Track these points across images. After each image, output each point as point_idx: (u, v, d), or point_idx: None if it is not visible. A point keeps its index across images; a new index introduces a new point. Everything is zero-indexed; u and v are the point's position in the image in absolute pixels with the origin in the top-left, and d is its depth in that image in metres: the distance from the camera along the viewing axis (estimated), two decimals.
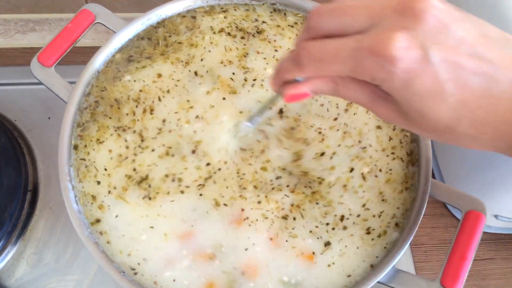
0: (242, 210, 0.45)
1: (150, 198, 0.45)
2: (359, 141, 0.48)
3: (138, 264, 0.43)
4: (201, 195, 0.45)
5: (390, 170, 0.47)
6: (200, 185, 0.45)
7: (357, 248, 0.44)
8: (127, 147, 0.47)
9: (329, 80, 0.33)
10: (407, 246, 0.43)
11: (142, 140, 0.47)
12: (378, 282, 0.42)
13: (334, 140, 0.48)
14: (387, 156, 0.47)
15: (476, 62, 0.28)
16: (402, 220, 0.45)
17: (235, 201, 0.45)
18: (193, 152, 0.47)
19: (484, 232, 0.43)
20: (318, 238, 0.44)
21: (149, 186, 0.45)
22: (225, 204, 0.45)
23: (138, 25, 0.53)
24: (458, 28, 0.29)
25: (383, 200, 0.46)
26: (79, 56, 0.60)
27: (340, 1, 0.31)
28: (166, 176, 0.46)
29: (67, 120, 0.48)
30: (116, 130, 0.48)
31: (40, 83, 0.50)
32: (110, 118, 0.48)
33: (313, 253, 0.43)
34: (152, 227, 0.44)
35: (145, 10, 0.53)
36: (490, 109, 0.29)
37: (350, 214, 0.45)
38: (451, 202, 0.46)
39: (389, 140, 0.48)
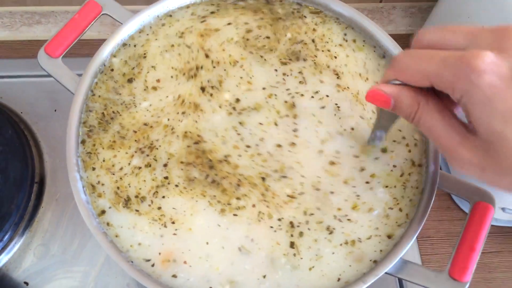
0: None
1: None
2: None
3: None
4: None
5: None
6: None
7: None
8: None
9: (413, 96, 0.33)
10: (415, 236, 0.43)
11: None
12: (386, 273, 0.42)
13: None
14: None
15: None
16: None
17: None
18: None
19: (491, 225, 0.43)
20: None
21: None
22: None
23: (145, 17, 0.53)
24: None
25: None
26: (85, 48, 0.59)
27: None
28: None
29: (75, 111, 0.47)
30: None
31: (46, 76, 0.50)
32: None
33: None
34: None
35: (152, 2, 0.53)
36: None
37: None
38: (459, 194, 0.45)
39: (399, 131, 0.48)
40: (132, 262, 0.42)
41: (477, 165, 0.31)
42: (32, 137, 0.66)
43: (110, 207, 0.44)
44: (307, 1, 0.54)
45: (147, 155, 0.46)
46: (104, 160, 0.46)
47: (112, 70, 0.51)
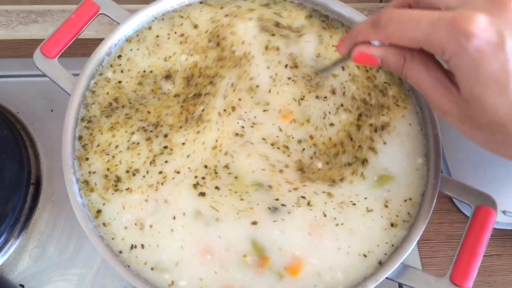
0: None
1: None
2: None
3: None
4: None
5: None
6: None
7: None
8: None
9: (399, 53, 0.33)
10: (416, 241, 0.42)
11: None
12: (386, 278, 0.41)
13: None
14: None
15: None
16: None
17: None
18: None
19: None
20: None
21: None
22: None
23: (143, 17, 0.52)
24: None
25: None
26: (81, 48, 0.59)
27: None
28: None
29: (71, 113, 0.47)
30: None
31: (42, 75, 0.49)
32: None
33: None
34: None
35: (150, 1, 0.52)
36: None
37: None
38: (461, 197, 0.45)
39: None
40: (129, 266, 0.41)
41: (456, 117, 0.32)
42: (28, 137, 0.65)
43: (104, 204, 0.44)
44: (308, 1, 0.53)
45: (151, 131, 0.47)
46: (99, 145, 0.46)
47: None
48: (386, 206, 0.45)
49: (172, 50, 0.51)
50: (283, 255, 0.42)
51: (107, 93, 0.49)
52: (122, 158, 0.46)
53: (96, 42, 0.51)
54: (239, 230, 0.43)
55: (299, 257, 0.42)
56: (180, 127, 0.47)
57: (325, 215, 0.44)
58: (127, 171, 0.45)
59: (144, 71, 0.50)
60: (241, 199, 0.44)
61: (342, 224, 0.44)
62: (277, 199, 0.44)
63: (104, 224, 0.44)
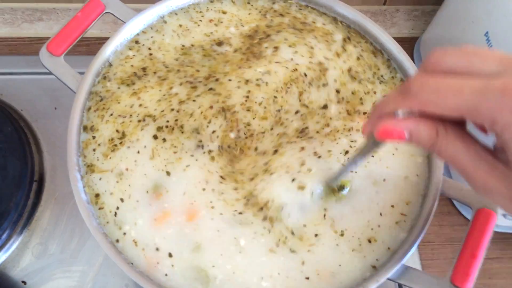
0: None
1: None
2: None
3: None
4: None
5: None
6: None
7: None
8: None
9: (431, 126, 0.30)
10: (418, 242, 0.42)
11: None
12: (387, 279, 0.41)
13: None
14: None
15: None
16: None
17: None
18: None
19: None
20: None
21: None
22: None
23: (148, 16, 0.52)
24: None
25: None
26: (86, 46, 0.59)
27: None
28: None
29: (76, 111, 0.47)
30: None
31: (46, 73, 0.50)
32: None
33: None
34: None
35: (156, 1, 0.53)
36: None
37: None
38: (462, 200, 0.45)
39: None
40: (132, 264, 0.42)
41: (504, 196, 0.29)
42: (32, 134, 0.65)
43: (104, 191, 0.45)
44: (312, 2, 0.54)
45: (199, 81, 0.49)
46: (112, 114, 0.48)
47: None
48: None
49: (210, 30, 0.53)
50: None
51: (132, 65, 0.50)
52: (144, 111, 0.48)
53: (101, 41, 0.51)
54: None
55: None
56: (240, 67, 0.50)
57: (324, 217, 0.44)
58: (140, 120, 0.47)
59: (183, 46, 0.52)
60: None
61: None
62: None
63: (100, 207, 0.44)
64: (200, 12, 0.54)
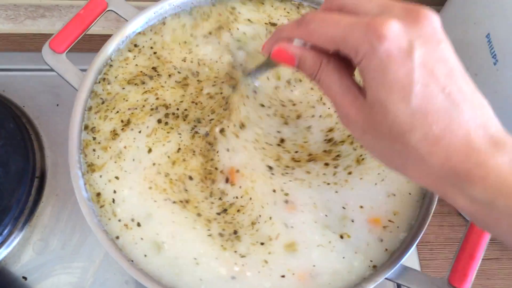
0: None
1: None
2: None
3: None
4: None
5: None
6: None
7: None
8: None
9: (317, 56, 0.34)
10: (416, 243, 0.43)
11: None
12: (385, 278, 0.42)
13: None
14: None
15: (449, 82, 0.30)
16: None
17: None
18: None
19: None
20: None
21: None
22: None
23: (151, 14, 0.52)
24: (448, 49, 0.31)
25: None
26: (88, 44, 0.59)
27: None
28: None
29: (78, 108, 0.47)
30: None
31: (49, 70, 0.50)
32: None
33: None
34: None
35: None
36: (446, 131, 0.29)
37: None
38: None
39: None
40: (132, 261, 0.42)
41: (360, 126, 0.32)
42: (34, 131, 0.65)
43: (105, 184, 0.45)
44: (314, 2, 0.54)
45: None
46: (118, 112, 0.48)
47: None
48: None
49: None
50: None
51: (136, 65, 0.51)
52: (161, 102, 0.48)
53: (103, 38, 0.51)
54: None
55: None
56: None
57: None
58: (152, 109, 0.48)
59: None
60: None
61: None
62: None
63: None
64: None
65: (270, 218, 0.44)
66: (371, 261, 0.43)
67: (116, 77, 0.50)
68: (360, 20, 0.30)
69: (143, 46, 0.52)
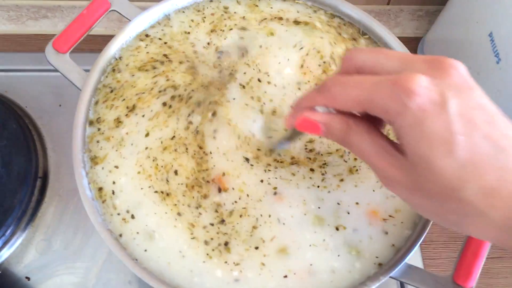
0: None
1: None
2: None
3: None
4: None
5: None
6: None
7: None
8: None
9: (344, 120, 0.32)
10: (420, 241, 0.43)
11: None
12: (390, 277, 0.42)
13: None
14: None
15: (492, 129, 0.28)
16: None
17: None
18: None
19: None
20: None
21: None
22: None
23: (154, 14, 0.52)
24: (482, 96, 0.29)
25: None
26: (91, 44, 0.60)
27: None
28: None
29: (81, 108, 0.47)
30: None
31: (51, 70, 0.50)
32: None
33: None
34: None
35: None
36: (502, 181, 0.28)
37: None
38: None
39: None
40: (136, 260, 0.42)
41: (404, 185, 0.31)
42: (37, 131, 0.65)
43: (106, 176, 0.45)
44: (317, 2, 0.54)
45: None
46: (124, 99, 0.48)
47: None
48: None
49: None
50: None
51: (147, 52, 0.51)
52: (170, 83, 0.49)
53: (105, 38, 0.51)
54: None
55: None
56: None
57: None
58: (161, 91, 0.48)
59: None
60: None
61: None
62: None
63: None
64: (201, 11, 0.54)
65: (270, 216, 0.44)
66: (376, 257, 0.43)
67: (127, 65, 0.50)
68: (384, 79, 0.29)
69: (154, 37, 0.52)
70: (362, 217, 0.44)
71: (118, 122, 0.47)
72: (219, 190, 0.45)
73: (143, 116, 0.47)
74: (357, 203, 0.45)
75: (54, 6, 0.76)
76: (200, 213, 0.44)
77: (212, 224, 0.44)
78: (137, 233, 0.43)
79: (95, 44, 0.59)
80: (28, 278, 0.57)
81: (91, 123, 0.48)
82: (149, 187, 0.45)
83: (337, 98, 0.32)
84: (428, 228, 0.43)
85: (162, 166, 0.45)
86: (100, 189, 0.45)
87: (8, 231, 0.57)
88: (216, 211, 0.44)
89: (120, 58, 0.51)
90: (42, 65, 0.68)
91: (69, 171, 0.44)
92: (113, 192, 0.44)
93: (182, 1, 0.53)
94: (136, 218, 0.43)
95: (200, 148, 0.46)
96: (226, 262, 0.42)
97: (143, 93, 0.48)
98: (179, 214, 0.44)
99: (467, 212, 0.29)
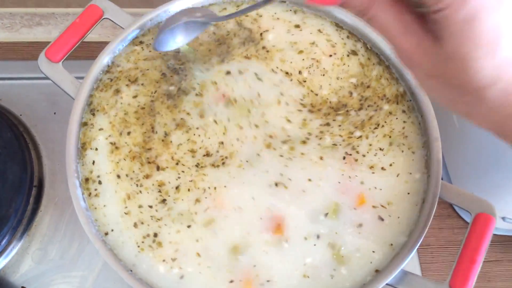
0: None
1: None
2: None
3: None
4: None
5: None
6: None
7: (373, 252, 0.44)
8: None
9: None
10: (416, 247, 0.43)
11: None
12: (386, 284, 0.42)
13: None
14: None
15: None
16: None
17: None
18: None
19: None
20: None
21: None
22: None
23: (147, 21, 0.52)
24: None
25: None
26: (85, 51, 0.59)
27: None
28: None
29: (75, 117, 0.47)
30: None
31: (45, 78, 0.50)
32: None
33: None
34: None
35: (154, 6, 0.53)
36: None
37: None
38: (461, 205, 0.45)
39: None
40: (131, 271, 0.42)
41: (427, 71, 0.29)
42: (31, 140, 0.65)
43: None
44: (311, 8, 0.54)
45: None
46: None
47: None
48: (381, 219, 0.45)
49: None
50: None
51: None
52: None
53: (99, 45, 0.51)
54: None
55: None
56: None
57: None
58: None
59: None
60: None
61: None
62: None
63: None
64: None
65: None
66: (373, 251, 0.43)
67: (128, 60, 0.51)
68: None
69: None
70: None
71: (117, 91, 0.50)
72: (158, 169, 0.46)
73: (142, 84, 0.50)
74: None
75: (47, 14, 0.76)
76: (140, 191, 0.45)
77: (150, 206, 0.44)
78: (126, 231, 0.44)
79: (90, 51, 0.59)
80: None
81: (90, 104, 0.49)
82: (109, 136, 0.48)
83: None
84: (423, 236, 0.43)
85: (125, 121, 0.47)
86: (87, 180, 0.46)
87: (4, 241, 0.57)
88: (160, 191, 0.45)
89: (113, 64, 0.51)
90: (36, 73, 0.66)
91: (64, 179, 0.44)
92: (99, 181, 0.46)
93: (174, 7, 0.53)
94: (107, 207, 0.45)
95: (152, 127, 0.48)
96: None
97: (147, 70, 0.50)
98: (118, 176, 0.45)
99: (481, 107, 0.28)
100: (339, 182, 0.46)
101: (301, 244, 0.44)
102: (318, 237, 0.44)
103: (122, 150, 0.47)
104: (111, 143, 0.47)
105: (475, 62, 0.26)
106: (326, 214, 0.44)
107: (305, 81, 0.50)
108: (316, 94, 0.50)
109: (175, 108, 0.49)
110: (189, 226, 0.44)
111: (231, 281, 0.42)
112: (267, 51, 0.52)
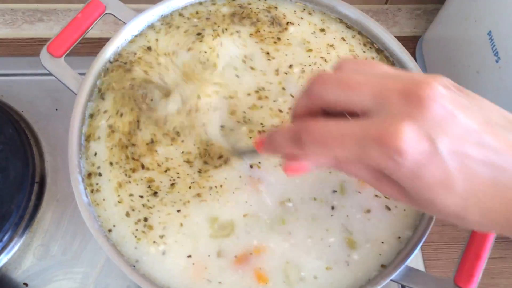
0: None
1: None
2: None
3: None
4: None
5: None
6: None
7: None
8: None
9: (332, 158, 0.32)
10: (421, 243, 0.42)
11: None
12: (391, 280, 0.41)
13: None
14: None
15: (483, 152, 0.28)
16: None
17: None
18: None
19: None
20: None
21: None
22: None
23: (149, 16, 0.52)
24: (464, 116, 0.28)
25: None
26: (86, 47, 0.59)
27: (344, 73, 0.31)
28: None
29: (77, 112, 0.47)
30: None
31: (47, 74, 0.50)
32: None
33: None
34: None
35: (156, 1, 0.52)
36: (498, 198, 0.28)
37: None
38: None
39: None
40: (134, 266, 0.41)
41: (407, 202, 0.32)
42: (33, 136, 0.65)
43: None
44: (313, 2, 0.53)
45: None
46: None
47: None
48: (389, 209, 0.45)
49: None
50: None
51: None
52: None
53: (101, 41, 0.51)
54: None
55: None
56: None
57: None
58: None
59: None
60: None
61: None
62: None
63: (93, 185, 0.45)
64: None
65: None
66: (382, 243, 0.43)
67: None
68: (367, 134, 0.28)
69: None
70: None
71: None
72: (142, 167, 0.46)
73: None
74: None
75: (49, 9, 0.75)
76: (129, 181, 0.45)
77: (141, 196, 0.44)
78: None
79: (91, 47, 0.59)
80: (26, 284, 0.57)
81: (98, 89, 0.49)
82: (109, 117, 0.48)
83: (319, 157, 0.32)
84: (427, 233, 0.43)
85: (122, 99, 0.48)
86: (90, 175, 0.46)
87: (6, 237, 0.57)
88: (149, 187, 0.45)
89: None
90: (38, 69, 0.68)
91: (67, 175, 0.44)
92: (100, 173, 0.46)
93: (178, 2, 0.53)
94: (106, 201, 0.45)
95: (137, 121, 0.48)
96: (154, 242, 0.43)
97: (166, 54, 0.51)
98: (111, 163, 0.46)
99: (472, 225, 0.30)
100: None
101: None
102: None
103: (115, 136, 0.47)
104: (109, 125, 0.47)
105: (439, 200, 0.29)
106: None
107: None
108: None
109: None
110: (178, 211, 0.44)
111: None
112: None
